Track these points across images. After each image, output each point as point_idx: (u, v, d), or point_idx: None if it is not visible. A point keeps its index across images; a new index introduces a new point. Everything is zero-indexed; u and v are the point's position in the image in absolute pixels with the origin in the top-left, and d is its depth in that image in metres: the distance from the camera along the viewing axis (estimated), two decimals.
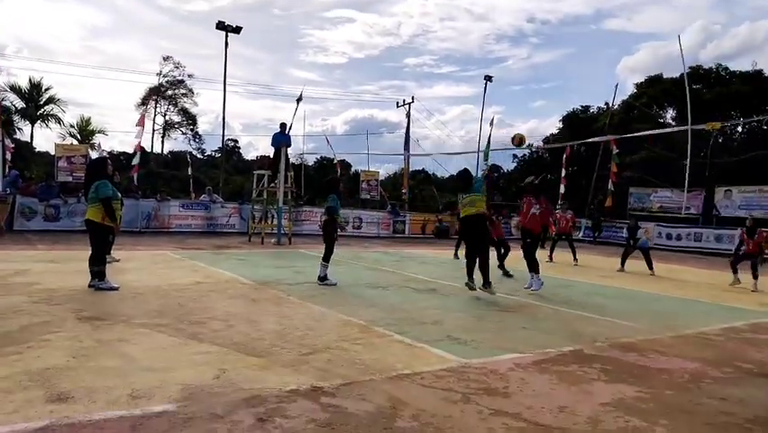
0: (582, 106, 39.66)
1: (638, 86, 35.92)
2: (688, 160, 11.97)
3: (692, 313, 8.11)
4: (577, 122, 36.59)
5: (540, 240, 11.16)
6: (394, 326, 5.93)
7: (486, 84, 32.08)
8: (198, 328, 5.38)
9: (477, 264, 8.25)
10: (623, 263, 13.40)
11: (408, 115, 30.09)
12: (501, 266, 10.84)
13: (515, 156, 42.18)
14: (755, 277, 10.97)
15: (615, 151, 25.18)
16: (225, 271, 9.63)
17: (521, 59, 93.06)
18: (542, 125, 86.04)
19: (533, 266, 9.06)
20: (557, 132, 39.49)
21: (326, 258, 8.65)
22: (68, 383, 3.70)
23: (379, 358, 4.70)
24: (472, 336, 5.64)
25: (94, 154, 21.50)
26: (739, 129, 32.40)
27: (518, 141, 9.98)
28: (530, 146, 40.06)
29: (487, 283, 8.11)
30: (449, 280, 9.98)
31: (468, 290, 8.27)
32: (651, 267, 12.97)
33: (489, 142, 27.74)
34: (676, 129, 25.94)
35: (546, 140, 38.72)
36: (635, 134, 19.96)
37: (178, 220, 18.53)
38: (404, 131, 30.74)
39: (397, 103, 31.57)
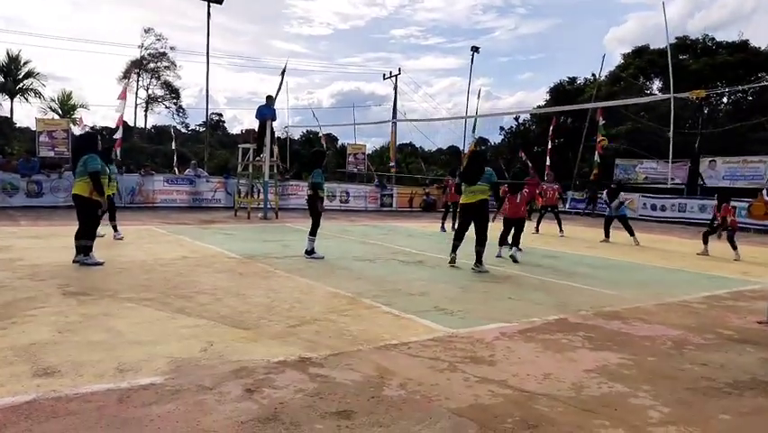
0: (569, 78, 39.51)
1: (625, 57, 35.82)
2: (671, 129, 11.94)
3: (676, 282, 8.22)
4: (564, 93, 36.47)
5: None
6: (381, 297, 5.96)
7: (473, 55, 31.78)
8: (185, 302, 5.37)
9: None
10: (606, 234, 13.51)
11: (395, 88, 29.85)
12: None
13: (502, 128, 42.17)
14: (734, 248, 11.10)
15: (601, 122, 25.22)
16: (212, 245, 9.59)
17: (508, 30, 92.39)
18: (529, 97, 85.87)
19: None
20: (544, 104, 39.39)
21: (313, 232, 8.66)
22: (55, 358, 3.68)
23: (366, 329, 4.73)
24: (459, 307, 5.69)
25: (76, 129, 21.20)
26: (725, 100, 32.53)
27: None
28: (516, 118, 40.13)
29: (479, 262, 8.10)
30: (436, 252, 10.02)
31: (449, 264, 8.34)
32: (632, 234, 13.07)
33: (476, 114, 27.63)
34: (660, 97, 25.97)
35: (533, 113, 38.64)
36: (620, 102, 19.92)
37: (163, 195, 18.38)
38: (391, 104, 30.51)
39: (384, 75, 31.25)
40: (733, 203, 13.95)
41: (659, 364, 4.17)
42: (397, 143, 32.30)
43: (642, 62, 33.55)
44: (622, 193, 13.97)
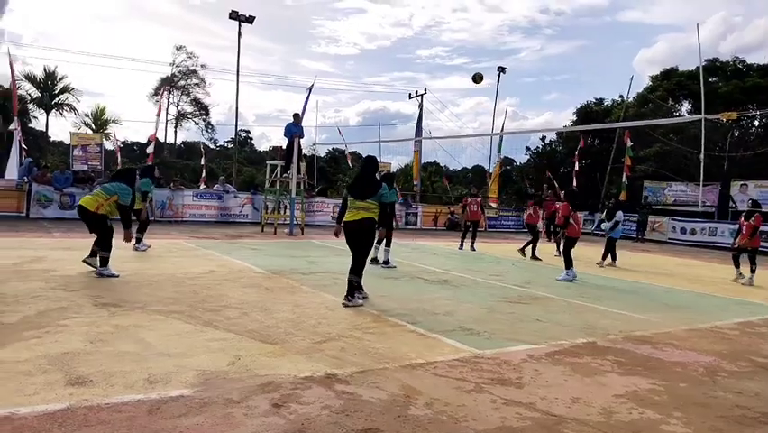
0: (596, 99, 39.30)
1: (653, 78, 35.51)
2: (702, 151, 11.75)
3: (706, 307, 8.05)
4: (591, 114, 36.24)
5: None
6: (406, 316, 5.95)
7: (499, 75, 31.86)
8: (213, 316, 5.43)
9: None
10: (612, 257, 13.03)
11: (421, 107, 29.98)
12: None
13: (528, 148, 41.94)
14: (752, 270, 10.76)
15: (629, 144, 24.96)
16: (239, 260, 9.70)
17: (534, 51, 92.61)
18: (556, 118, 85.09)
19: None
20: (571, 124, 39.17)
21: (388, 243, 9.92)
22: (87, 367, 3.75)
23: (392, 347, 4.72)
24: (485, 328, 5.65)
25: (108, 144, 21.67)
26: (756, 123, 31.96)
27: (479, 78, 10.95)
28: (542, 138, 39.90)
29: (351, 296, 6.44)
30: (461, 271, 9.98)
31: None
32: (609, 258, 12.63)
33: (501, 134, 27.59)
34: (690, 119, 25.61)
35: (560, 133, 38.41)
36: (649, 121, 19.65)
37: (192, 210, 18.66)
38: (416, 122, 30.62)
39: (410, 94, 31.44)
40: (765, 228, 13.53)
41: (691, 391, 4.08)
42: (422, 162, 32.39)
43: (670, 84, 33.23)
44: (620, 212, 12.90)
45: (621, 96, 34.62)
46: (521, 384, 3.99)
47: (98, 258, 7.38)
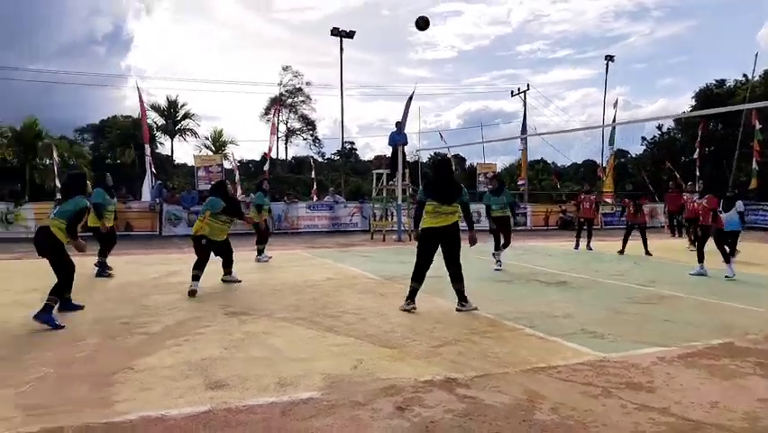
0: (717, 81, 36.30)
1: None
2: None
3: None
4: (712, 97, 33.52)
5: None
6: (524, 319, 5.83)
7: (607, 64, 30.46)
8: (333, 321, 5.65)
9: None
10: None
11: (524, 104, 29.28)
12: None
13: (643, 138, 39.58)
14: None
15: (757, 126, 22.78)
16: (352, 267, 9.99)
17: (643, 36, 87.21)
18: (672, 104, 79.45)
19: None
20: (690, 110, 36.46)
21: (506, 246, 10.36)
22: (223, 372, 4.05)
23: (511, 351, 4.66)
24: (609, 330, 5.40)
25: (227, 164, 23.16)
26: None
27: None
28: (659, 126, 37.46)
29: (464, 300, 6.39)
30: (579, 272, 9.61)
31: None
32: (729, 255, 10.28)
33: (612, 125, 26.24)
34: None
35: (678, 120, 35.88)
36: None
37: (306, 221, 19.48)
38: (520, 120, 29.95)
39: (512, 92, 30.81)
40: None
41: None
42: (528, 160, 31.57)
43: None
44: (740, 202, 10.49)
45: (745, 76, 31.78)
46: (652, 388, 3.78)
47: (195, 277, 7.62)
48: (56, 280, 5.83)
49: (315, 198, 24.34)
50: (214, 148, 41.26)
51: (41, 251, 6.01)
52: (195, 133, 43.17)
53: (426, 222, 6.30)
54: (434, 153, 44.08)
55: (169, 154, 43.15)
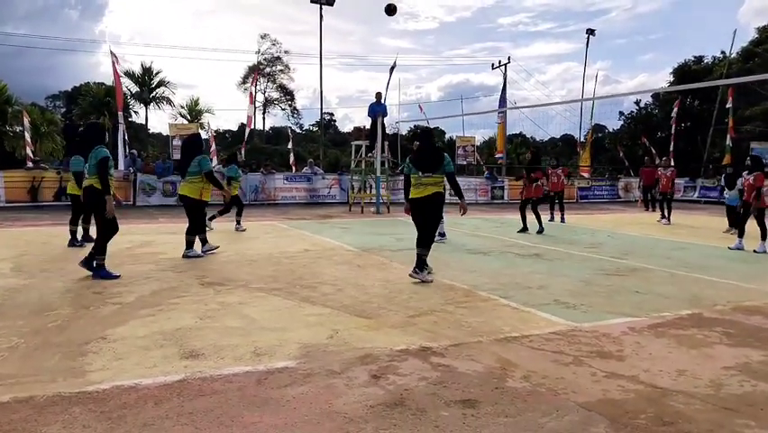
0: (695, 57, 36.57)
1: (760, 30, 32.50)
2: None
3: None
4: (690, 74, 33.79)
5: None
6: (498, 290, 5.91)
7: (588, 38, 30.41)
8: (310, 292, 5.65)
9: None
10: (732, 223, 11.98)
11: (504, 77, 29.18)
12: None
13: (621, 113, 39.87)
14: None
15: (728, 105, 23.10)
16: (330, 239, 9.98)
17: (625, 10, 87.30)
18: (651, 79, 79.57)
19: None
20: (667, 85, 36.76)
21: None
22: (198, 342, 4.03)
23: (485, 321, 4.72)
24: (581, 301, 5.50)
25: (203, 133, 22.82)
26: None
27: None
28: (637, 102, 37.72)
29: (419, 268, 6.39)
30: (553, 244, 9.75)
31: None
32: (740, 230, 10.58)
33: (592, 99, 26.37)
34: None
35: (656, 95, 36.18)
36: (753, 77, 17.89)
37: (283, 192, 19.34)
38: (500, 93, 29.84)
39: (493, 65, 30.65)
40: None
41: None
42: (507, 134, 31.62)
43: None
44: (741, 180, 10.81)
45: (723, 53, 32.08)
46: (622, 357, 3.87)
47: (192, 241, 7.81)
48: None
49: (293, 170, 24.16)
50: (189, 117, 40.45)
51: (88, 209, 6.73)
52: (170, 102, 42.21)
53: (412, 192, 6.50)
54: (414, 126, 44.04)
55: (144, 123, 42.25)
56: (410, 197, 6.53)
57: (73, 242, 8.76)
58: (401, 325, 4.57)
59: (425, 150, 6.59)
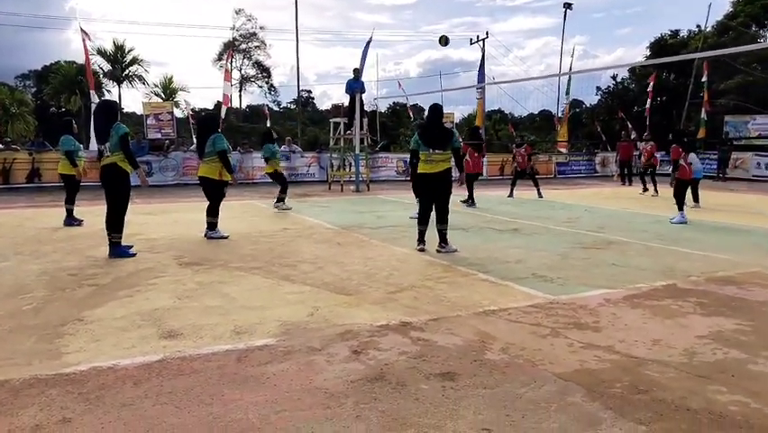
0: (672, 31, 36.76)
1: (735, 4, 32.71)
2: None
3: None
4: (666, 48, 33.99)
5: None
6: (477, 265, 5.95)
7: (565, 12, 30.26)
8: (290, 270, 5.64)
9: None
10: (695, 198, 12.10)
11: (483, 52, 29.04)
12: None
13: (598, 88, 40.06)
14: None
15: (703, 79, 23.34)
16: (310, 217, 9.94)
17: None
18: (629, 54, 79.75)
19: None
20: (644, 60, 36.97)
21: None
22: (177, 322, 4.01)
23: (464, 295, 4.76)
24: (558, 274, 5.57)
25: (177, 112, 22.43)
26: None
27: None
28: (613, 76, 37.92)
29: (444, 242, 6.73)
30: (531, 219, 9.83)
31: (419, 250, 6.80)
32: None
33: (568, 74, 26.43)
34: None
35: (632, 69, 36.38)
36: (727, 50, 18.03)
37: (261, 171, 19.10)
38: (478, 69, 29.73)
39: (471, 40, 30.41)
40: None
41: None
42: (486, 110, 31.61)
43: (754, 9, 30.51)
44: (692, 155, 10.47)
45: (698, 26, 32.28)
46: (598, 328, 3.94)
47: (210, 224, 7.72)
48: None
49: None
50: (164, 95, 39.71)
51: (107, 187, 6.73)
52: (143, 80, 41.37)
53: (421, 167, 6.71)
54: (393, 103, 43.81)
55: (117, 102, 41.35)
56: (420, 172, 6.72)
57: (71, 221, 8.71)
58: (381, 301, 4.59)
59: (433, 126, 6.78)
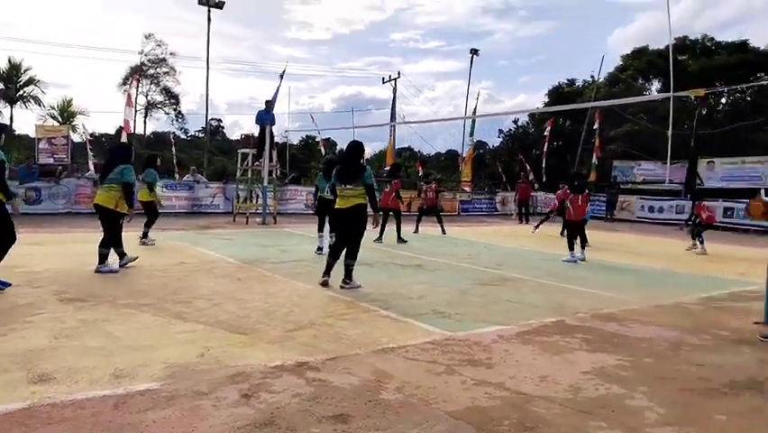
0: (569, 80, 39.58)
1: (624, 58, 35.84)
2: (670, 129, 11.84)
3: (672, 283, 8.23)
4: (563, 95, 36.52)
5: None
6: (380, 301, 5.96)
7: (472, 58, 31.92)
8: (183, 308, 5.37)
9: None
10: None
11: (395, 91, 29.89)
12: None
13: (500, 131, 42.19)
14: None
15: (595, 126, 25.25)
16: (210, 250, 9.60)
17: (508, 33, 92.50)
18: (530, 100, 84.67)
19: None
20: (543, 106, 39.44)
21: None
22: (51, 364, 3.68)
23: (365, 332, 4.74)
24: (457, 310, 5.69)
25: (75, 137, 21.19)
26: (723, 101, 32.57)
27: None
28: (515, 120, 40.12)
29: (348, 278, 6.69)
30: (434, 255, 10.04)
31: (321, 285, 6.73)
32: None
33: (473, 117, 27.65)
34: (659, 96, 26.02)
35: (532, 115, 38.66)
36: (616, 101, 19.74)
37: (165, 201, 18.32)
38: (390, 107, 30.50)
39: (383, 79, 31.35)
40: (731, 204, 15.14)
41: (655, 366, 4.18)
42: (397, 147, 32.33)
43: (641, 63, 33.59)
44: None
45: (592, 77, 34.96)
46: (491, 364, 4.03)
47: (102, 256, 7.27)
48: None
49: (176, 177, 23.06)
50: (61, 119, 37.44)
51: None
52: (39, 102, 38.88)
53: (337, 202, 6.80)
54: (306, 136, 43.79)
55: (8, 124, 38.44)
56: (335, 207, 6.83)
57: None
58: (279, 340, 4.46)
59: (346, 161, 6.90)
